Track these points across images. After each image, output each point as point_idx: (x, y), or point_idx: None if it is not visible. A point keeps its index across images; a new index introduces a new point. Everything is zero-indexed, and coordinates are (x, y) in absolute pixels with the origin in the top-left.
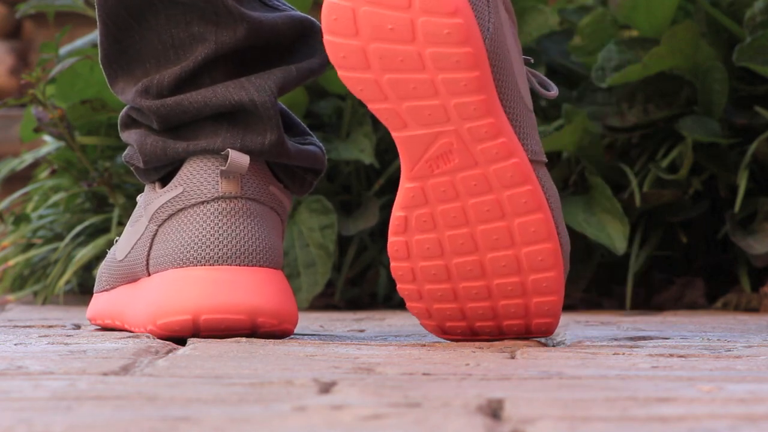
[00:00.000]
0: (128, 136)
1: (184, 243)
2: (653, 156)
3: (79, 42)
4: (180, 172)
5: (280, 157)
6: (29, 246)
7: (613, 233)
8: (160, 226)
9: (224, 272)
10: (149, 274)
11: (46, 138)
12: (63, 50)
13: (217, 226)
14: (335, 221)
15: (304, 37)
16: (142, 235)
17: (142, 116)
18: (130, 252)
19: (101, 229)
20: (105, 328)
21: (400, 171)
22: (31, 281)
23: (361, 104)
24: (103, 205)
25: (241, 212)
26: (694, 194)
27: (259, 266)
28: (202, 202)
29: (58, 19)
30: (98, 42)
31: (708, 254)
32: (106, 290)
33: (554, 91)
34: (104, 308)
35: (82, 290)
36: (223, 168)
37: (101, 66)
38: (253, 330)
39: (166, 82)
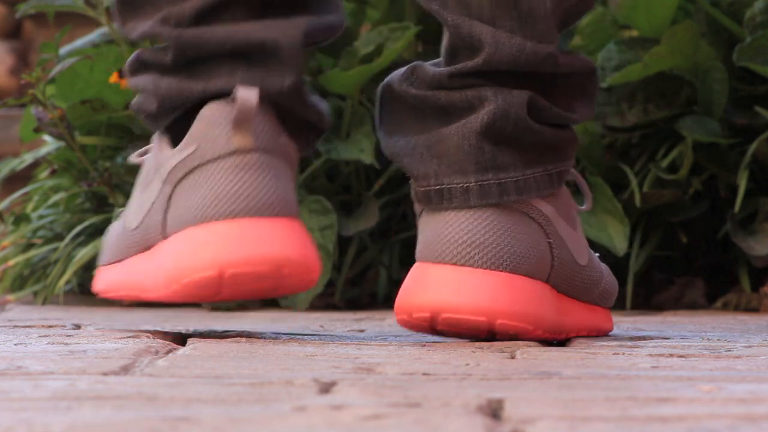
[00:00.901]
0: (138, 81)
1: (202, 200)
2: (653, 156)
3: (79, 42)
4: (192, 129)
5: (297, 103)
6: (29, 246)
7: (613, 234)
8: (175, 186)
9: (246, 225)
10: (164, 238)
11: (46, 138)
12: (63, 50)
13: (233, 181)
14: (335, 222)
15: None
16: (156, 198)
17: (156, 54)
18: (144, 218)
19: (101, 229)
20: (101, 332)
21: (399, 171)
22: (31, 281)
23: (361, 104)
24: (103, 205)
25: (257, 165)
26: (694, 194)
27: (279, 217)
28: (217, 158)
29: (58, 19)
30: None
31: (708, 254)
32: (119, 261)
33: (586, 206)
34: (118, 279)
35: (82, 290)
36: (233, 116)
37: (113, 9)
38: (278, 280)
39: (187, 13)
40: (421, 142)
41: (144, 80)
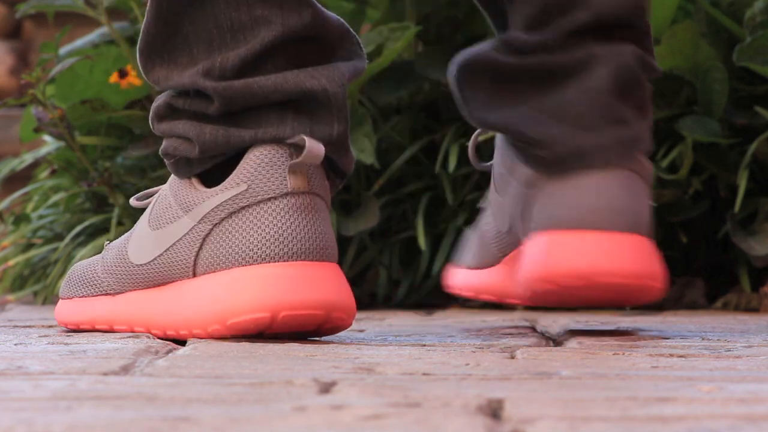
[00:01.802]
0: (169, 126)
1: (254, 240)
2: (653, 156)
3: (79, 42)
4: (241, 169)
5: (341, 151)
6: (29, 246)
7: None
8: (215, 225)
9: (299, 268)
10: (194, 276)
11: (46, 138)
12: (63, 50)
13: (288, 222)
14: (334, 222)
15: (344, 36)
16: (184, 236)
17: (192, 103)
18: (162, 255)
19: (101, 229)
20: (106, 332)
21: (399, 171)
22: (31, 281)
23: (361, 104)
24: (103, 205)
25: (310, 207)
26: (694, 194)
27: (328, 261)
28: (270, 199)
29: (58, 19)
30: (143, 26)
31: (708, 254)
32: (109, 294)
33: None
34: (112, 311)
35: None
36: (296, 160)
37: (138, 53)
38: (322, 324)
39: (230, 64)
40: (545, 107)
41: (180, 127)
